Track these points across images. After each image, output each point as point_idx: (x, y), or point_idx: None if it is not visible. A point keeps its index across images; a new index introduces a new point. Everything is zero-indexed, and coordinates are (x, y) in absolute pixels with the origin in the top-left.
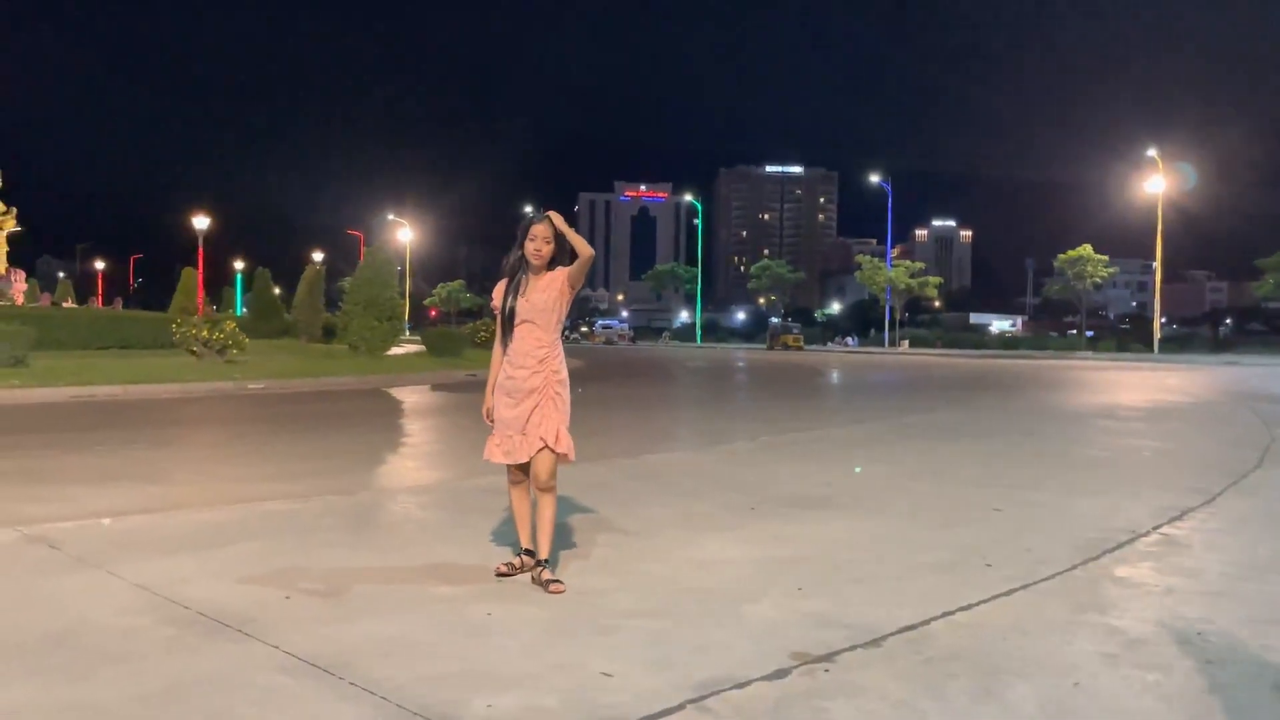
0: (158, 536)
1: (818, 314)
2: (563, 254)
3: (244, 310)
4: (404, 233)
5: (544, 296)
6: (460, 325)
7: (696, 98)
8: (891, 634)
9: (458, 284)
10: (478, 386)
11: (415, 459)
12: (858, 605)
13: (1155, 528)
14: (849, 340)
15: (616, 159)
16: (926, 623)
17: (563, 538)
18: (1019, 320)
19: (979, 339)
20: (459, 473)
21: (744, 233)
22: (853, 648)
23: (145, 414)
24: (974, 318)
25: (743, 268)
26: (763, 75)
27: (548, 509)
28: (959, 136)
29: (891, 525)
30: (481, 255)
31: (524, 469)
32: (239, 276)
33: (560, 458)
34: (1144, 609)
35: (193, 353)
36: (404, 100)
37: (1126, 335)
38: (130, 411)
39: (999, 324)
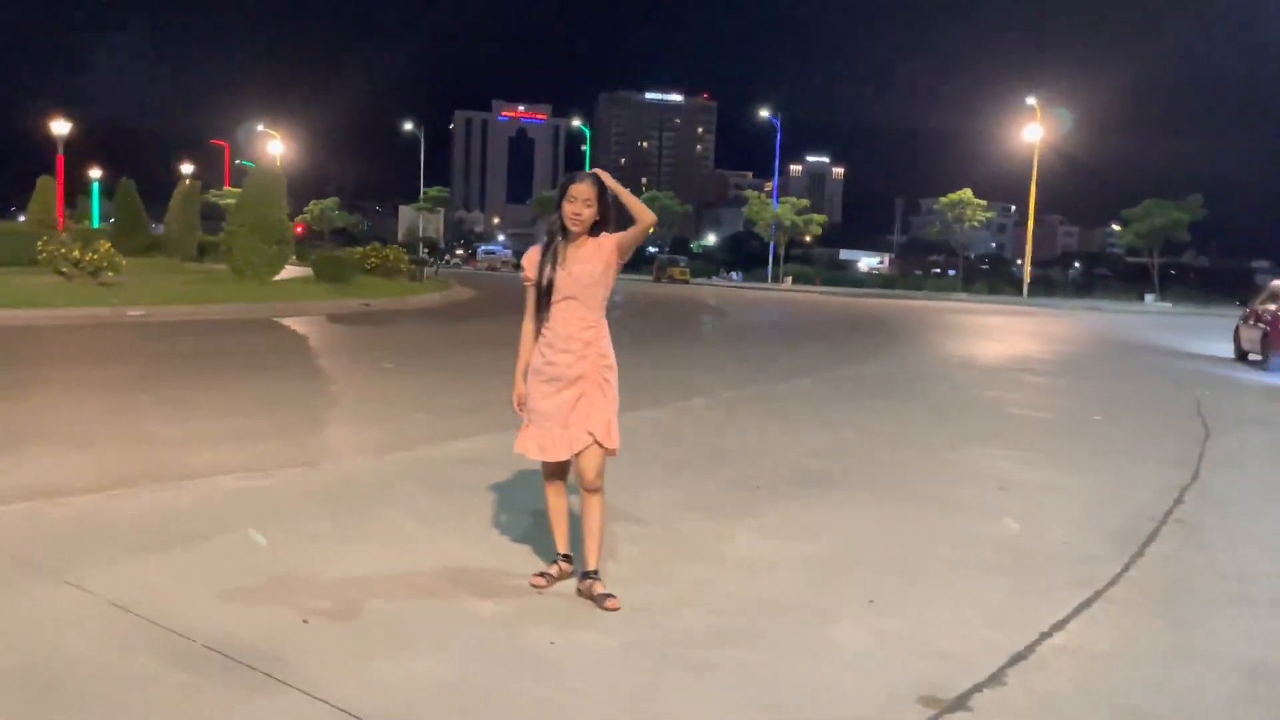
0: (112, 527)
1: (694, 245)
2: (608, 218)
3: (101, 223)
4: (274, 145)
5: (588, 268)
6: (335, 247)
7: (579, 19)
8: (1006, 666)
9: (331, 201)
10: (378, 319)
11: (358, 416)
12: (938, 624)
13: (1168, 514)
14: (733, 275)
15: (495, 78)
16: (1032, 649)
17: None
18: (886, 258)
19: (858, 277)
20: (417, 436)
21: (623, 160)
22: (979, 688)
23: (23, 346)
24: (844, 254)
25: None
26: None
27: (596, 511)
28: (837, 76)
29: (904, 511)
30: (354, 172)
31: (561, 464)
32: (95, 186)
33: (608, 453)
34: (1242, 619)
35: (60, 273)
36: (273, 5)
37: (995, 277)
38: (4, 341)
39: (867, 261)
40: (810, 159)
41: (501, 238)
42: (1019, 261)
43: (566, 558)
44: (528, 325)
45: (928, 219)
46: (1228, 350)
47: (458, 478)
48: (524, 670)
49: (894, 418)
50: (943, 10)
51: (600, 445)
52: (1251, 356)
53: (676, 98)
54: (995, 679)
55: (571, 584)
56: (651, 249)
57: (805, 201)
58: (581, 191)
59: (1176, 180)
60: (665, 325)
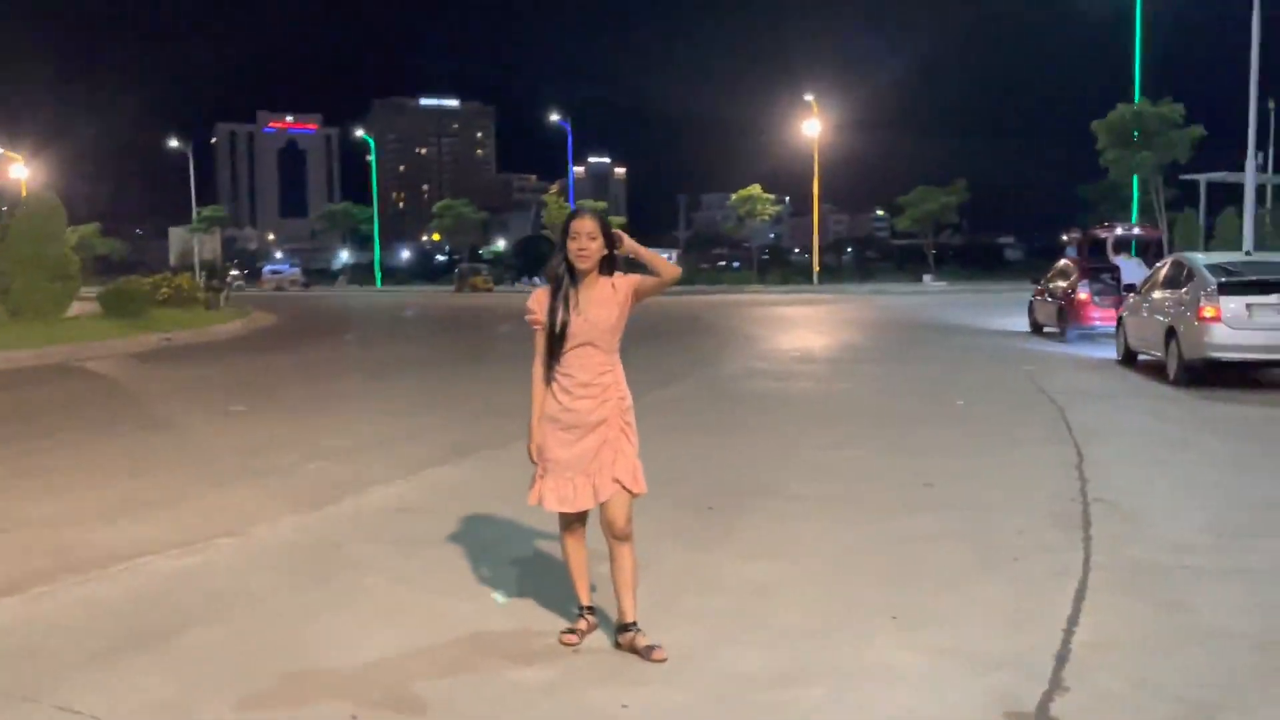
0: (60, 634)
1: (483, 252)
2: (613, 253)
3: None
4: (17, 169)
5: (604, 313)
6: (101, 275)
7: (344, 23)
8: (1058, 669)
9: (91, 228)
10: (186, 354)
11: (248, 470)
12: (970, 632)
13: (1083, 493)
14: (536, 280)
15: (259, 86)
16: (1068, 647)
17: (547, 564)
18: (674, 254)
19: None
20: (328, 487)
21: (401, 167)
22: (1049, 696)
23: None
24: None
25: (401, 204)
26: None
27: (629, 560)
28: (614, 75)
29: (859, 519)
30: (109, 193)
31: (581, 515)
32: None
33: (635, 496)
34: (1227, 591)
35: None
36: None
37: (778, 267)
38: None
39: None
40: (592, 160)
41: (279, 254)
42: (797, 250)
43: (590, 609)
44: (538, 369)
45: (710, 214)
46: (1022, 324)
47: (407, 531)
48: None
49: (772, 429)
50: (716, 9)
51: (628, 491)
52: (1047, 329)
53: (453, 102)
54: (1057, 684)
55: (599, 636)
56: (440, 257)
57: (603, 204)
58: (584, 227)
59: (933, 169)
60: (477, 339)
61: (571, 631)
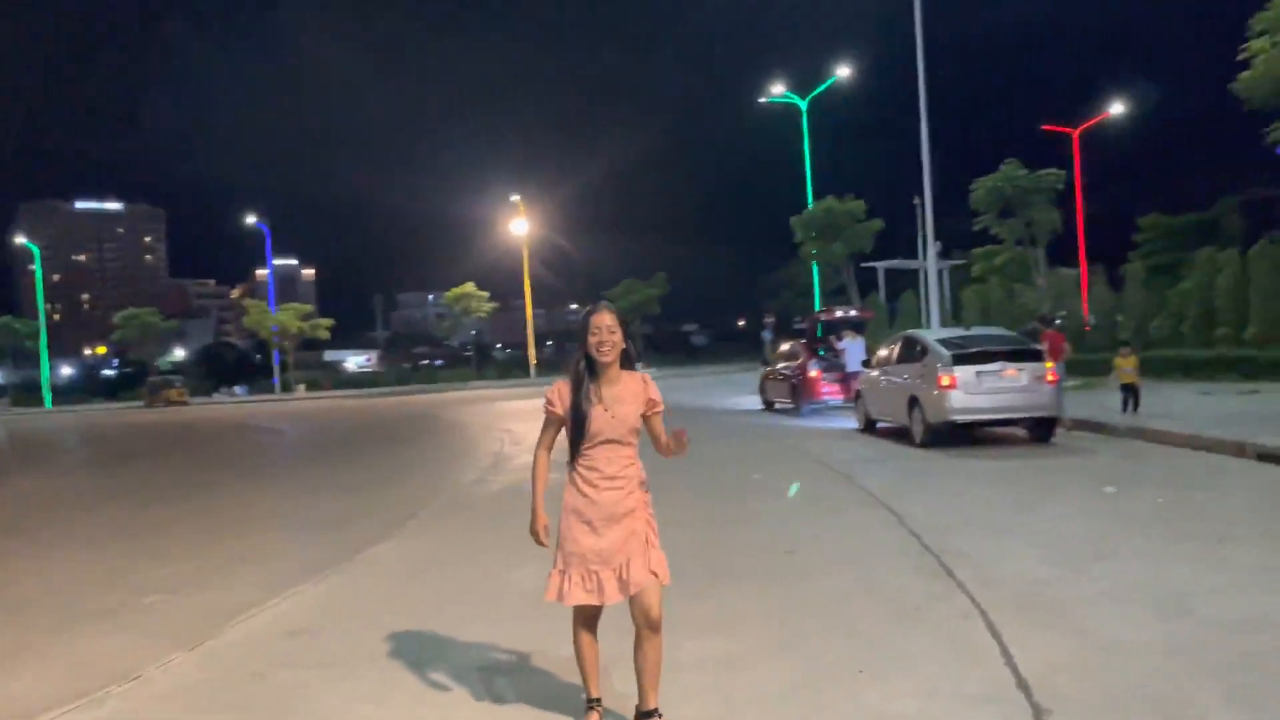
0: None
1: (160, 363)
2: (630, 347)
3: None
4: None
5: (629, 410)
6: None
7: None
8: (1032, 696)
9: None
10: None
11: (77, 612)
12: (945, 676)
13: (932, 547)
14: (237, 390)
15: None
16: (1032, 679)
17: (500, 664)
18: (373, 355)
19: (372, 377)
20: (187, 620)
21: (56, 276)
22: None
23: None
24: (328, 355)
25: (58, 315)
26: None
27: (658, 650)
28: (298, 176)
29: (767, 588)
30: None
31: (598, 609)
32: None
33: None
34: (1136, 616)
35: None
36: None
37: (497, 363)
38: None
39: (354, 359)
40: (277, 262)
41: None
42: (499, 346)
43: (598, 701)
44: (542, 455)
45: (408, 313)
46: (750, 402)
47: (321, 652)
48: None
49: None
50: (409, 108)
51: (660, 580)
52: (779, 405)
53: (116, 206)
54: (1040, 709)
55: None
56: (108, 371)
57: (309, 306)
58: (604, 321)
59: (633, 265)
60: (225, 452)
61: None
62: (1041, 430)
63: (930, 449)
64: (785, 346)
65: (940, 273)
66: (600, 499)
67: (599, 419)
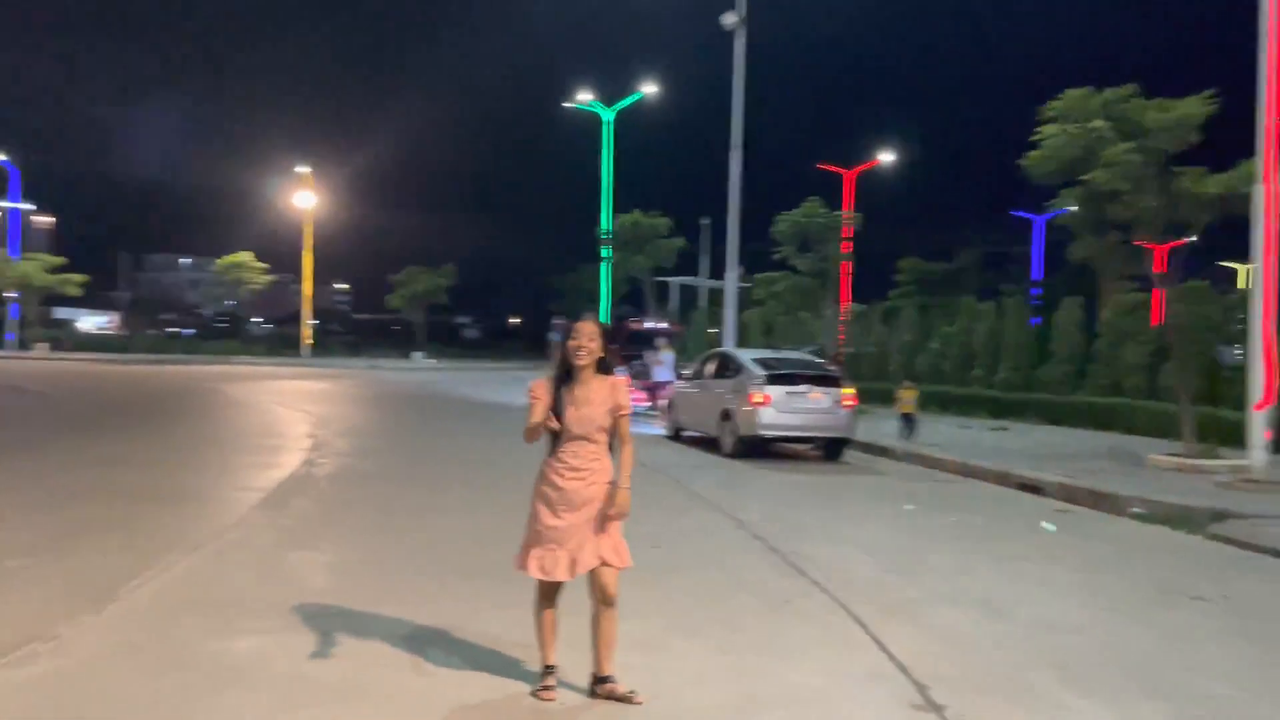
0: None
1: None
2: (608, 355)
3: None
4: None
5: (597, 412)
6: None
7: None
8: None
9: None
10: None
11: None
12: (839, 661)
13: (770, 545)
14: None
15: None
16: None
17: (453, 638)
18: (114, 317)
19: (121, 342)
20: (81, 585)
21: None
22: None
23: None
24: (58, 312)
25: None
26: None
27: (613, 624)
28: (47, 120)
29: (637, 582)
30: None
31: (559, 584)
32: None
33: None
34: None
35: None
36: None
37: (267, 339)
38: None
39: (92, 319)
40: (10, 205)
41: None
42: (256, 320)
43: (551, 669)
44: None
45: (155, 276)
46: None
47: (252, 615)
48: None
49: (453, 510)
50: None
51: (614, 564)
52: None
53: None
54: (923, 685)
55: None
56: None
57: (61, 259)
58: (586, 329)
59: (423, 251)
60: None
61: (546, 688)
62: (834, 449)
63: (741, 459)
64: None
65: (710, 290)
66: (564, 486)
67: (569, 416)
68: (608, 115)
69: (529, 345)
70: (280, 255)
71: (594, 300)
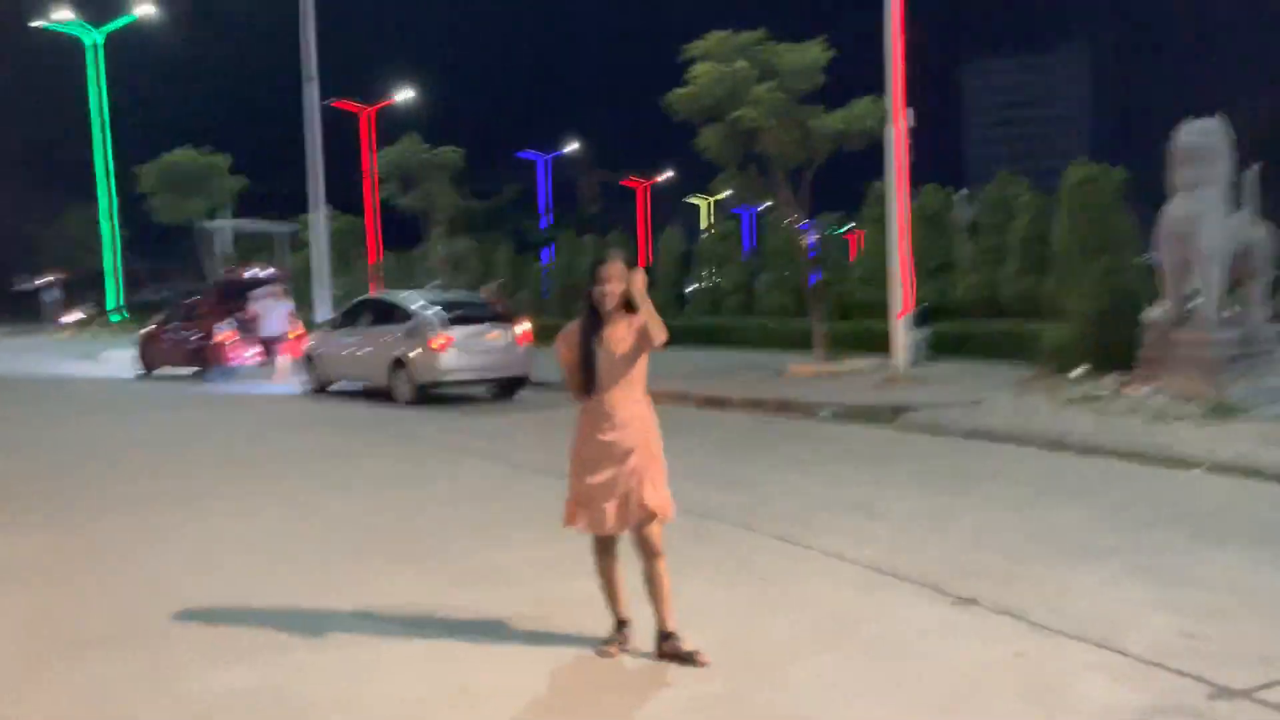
0: None
1: None
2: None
3: None
4: None
5: (626, 348)
6: None
7: None
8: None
9: None
10: None
11: None
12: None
13: None
14: None
15: None
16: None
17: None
18: None
19: None
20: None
21: None
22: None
23: None
24: None
25: None
26: None
27: (665, 576)
28: None
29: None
30: None
31: (613, 537)
32: None
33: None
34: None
35: None
36: None
37: None
38: None
39: None
40: None
41: None
42: None
43: (625, 623)
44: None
45: None
46: (116, 370)
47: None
48: None
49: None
50: None
51: (657, 518)
52: (168, 371)
53: None
54: (889, 573)
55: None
56: None
57: None
58: (613, 271)
59: None
60: None
61: (610, 642)
62: (509, 388)
63: (420, 407)
64: (185, 305)
65: (289, 237)
66: (608, 437)
67: (604, 366)
68: (92, 38)
69: (27, 309)
70: None
71: (92, 251)
